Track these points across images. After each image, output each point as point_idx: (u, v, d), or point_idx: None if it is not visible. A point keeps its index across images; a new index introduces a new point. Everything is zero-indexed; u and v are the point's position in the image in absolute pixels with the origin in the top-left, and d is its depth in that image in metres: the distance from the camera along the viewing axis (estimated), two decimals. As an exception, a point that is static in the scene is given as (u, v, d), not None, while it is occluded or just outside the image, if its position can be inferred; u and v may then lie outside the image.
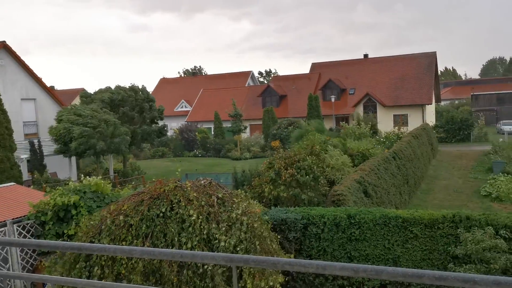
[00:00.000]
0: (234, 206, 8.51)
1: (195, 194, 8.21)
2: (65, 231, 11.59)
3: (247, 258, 1.90)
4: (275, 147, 34.89)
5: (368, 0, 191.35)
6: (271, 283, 8.30)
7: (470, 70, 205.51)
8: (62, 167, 26.73)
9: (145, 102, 31.27)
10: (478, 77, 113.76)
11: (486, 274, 9.17)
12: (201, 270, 7.50)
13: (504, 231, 9.52)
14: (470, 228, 9.77)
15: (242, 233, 8.17)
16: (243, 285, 7.97)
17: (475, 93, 67.58)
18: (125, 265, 7.61)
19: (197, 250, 7.60)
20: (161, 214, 7.95)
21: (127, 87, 31.77)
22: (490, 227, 9.55)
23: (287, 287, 10.64)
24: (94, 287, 2.39)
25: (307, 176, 13.94)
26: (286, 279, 9.64)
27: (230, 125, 43.83)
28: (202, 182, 8.85)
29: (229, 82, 62.36)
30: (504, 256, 9.22)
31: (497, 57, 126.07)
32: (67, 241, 10.73)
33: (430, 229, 10.23)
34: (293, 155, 14.91)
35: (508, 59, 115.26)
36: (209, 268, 7.49)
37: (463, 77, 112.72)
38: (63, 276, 7.89)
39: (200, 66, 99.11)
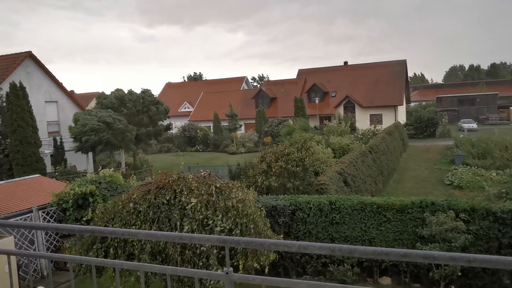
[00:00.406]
0: (230, 194, 8.51)
1: (196, 184, 8.20)
2: (83, 217, 11.56)
3: (238, 240, 1.91)
4: (267, 142, 34.96)
5: (345, 15, 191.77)
6: (262, 263, 8.32)
7: (435, 75, 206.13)
8: (81, 161, 26.60)
9: (152, 104, 31.18)
10: (442, 81, 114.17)
11: (448, 251, 9.24)
12: (199, 250, 7.52)
13: (464, 215, 9.60)
14: (434, 212, 9.83)
15: (237, 218, 8.17)
16: (237, 264, 7.99)
17: (439, 96, 67.85)
18: (135, 246, 7.61)
19: (197, 233, 7.61)
20: (166, 202, 7.95)
21: (139, 91, 31.73)
22: (452, 211, 9.62)
23: (277, 265, 10.69)
24: (107, 265, 2.38)
25: (298, 168, 13.98)
26: (277, 258, 9.67)
27: (227, 124, 43.88)
28: (202, 173, 8.83)
29: (226, 86, 62.21)
30: (463, 236, 9.30)
31: (458, 65, 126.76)
32: (84, 225, 10.70)
33: (400, 214, 10.29)
34: (282, 149, 14.93)
35: (467, 67, 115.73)
36: (204, 248, 7.50)
37: (430, 82, 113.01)
38: (81, 256, 7.87)
39: (200, 73, 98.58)
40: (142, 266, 2.21)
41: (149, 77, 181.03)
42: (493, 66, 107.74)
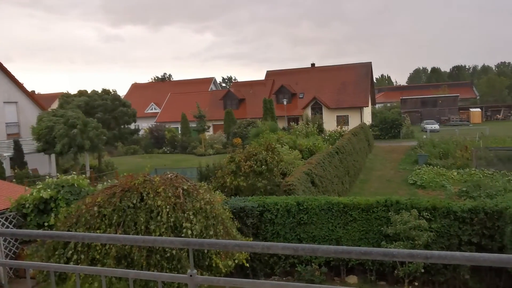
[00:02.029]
0: (198, 196, 8.46)
1: (162, 186, 8.10)
2: (46, 222, 11.18)
3: (202, 242, 1.90)
4: (237, 143, 34.89)
5: (310, 18, 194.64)
6: (237, 261, 8.36)
7: (400, 77, 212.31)
8: (42, 163, 25.73)
9: (120, 106, 30.55)
10: (406, 84, 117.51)
11: (412, 249, 9.51)
12: (168, 254, 7.42)
13: (426, 213, 9.90)
14: (399, 211, 10.09)
15: (206, 220, 8.14)
16: (211, 263, 7.97)
17: (403, 97, 69.81)
18: (99, 251, 7.43)
19: (165, 237, 7.51)
20: (132, 205, 7.81)
21: (100, 91, 30.97)
22: (415, 209, 9.89)
23: (246, 267, 10.68)
24: (67, 270, 2.31)
25: (263, 167, 14.04)
26: (245, 259, 9.67)
27: (195, 125, 43.56)
28: (169, 175, 8.74)
29: (194, 87, 61.80)
30: (426, 233, 9.59)
31: (421, 67, 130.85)
32: (46, 230, 10.34)
33: (366, 213, 10.50)
34: (251, 149, 14.97)
35: (429, 69, 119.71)
36: (174, 252, 7.42)
37: (394, 84, 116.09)
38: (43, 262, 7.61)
39: (167, 73, 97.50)
40: (104, 271, 2.15)
41: (114, 77, 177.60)
42: (454, 69, 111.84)
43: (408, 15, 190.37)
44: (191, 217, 7.99)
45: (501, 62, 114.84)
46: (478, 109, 64.43)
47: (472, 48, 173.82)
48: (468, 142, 28.96)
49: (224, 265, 8.10)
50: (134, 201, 7.87)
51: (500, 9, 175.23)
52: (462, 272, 9.50)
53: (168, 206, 7.84)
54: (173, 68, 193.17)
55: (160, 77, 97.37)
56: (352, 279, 10.60)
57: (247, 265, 9.10)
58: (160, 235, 7.51)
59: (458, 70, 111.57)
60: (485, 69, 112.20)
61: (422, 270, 9.59)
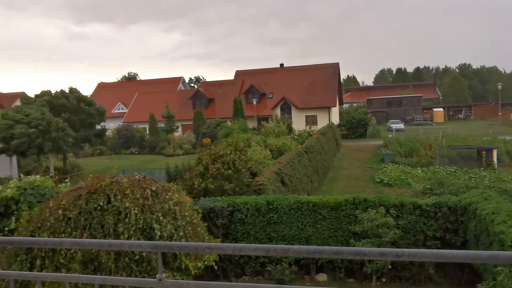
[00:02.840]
0: (167, 197, 8.33)
1: (130, 188, 7.92)
2: (6, 226, 10.71)
3: (171, 245, 1.85)
4: (206, 144, 34.64)
5: (277, 18, 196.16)
6: (206, 262, 8.27)
7: (366, 78, 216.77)
8: (3, 166, 24.70)
9: (86, 106, 29.74)
10: (372, 84, 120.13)
11: (379, 246, 9.71)
12: (137, 256, 7.26)
13: (393, 210, 10.12)
14: (366, 209, 10.27)
15: (176, 221, 8.02)
16: (180, 265, 7.86)
17: (370, 98, 71.40)
18: (64, 255, 7.18)
19: (133, 239, 7.34)
20: (99, 207, 7.59)
21: (67, 90, 30.06)
22: (382, 207, 10.10)
23: (216, 268, 10.60)
24: (28, 278, 2.21)
25: (230, 170, 13.99)
26: (215, 260, 9.59)
27: (163, 125, 42.99)
28: (137, 177, 8.56)
29: (162, 86, 60.95)
30: (393, 230, 9.80)
31: (386, 68, 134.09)
32: (8, 235, 9.91)
33: (335, 211, 10.63)
34: (218, 151, 14.87)
35: (394, 70, 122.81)
36: (144, 254, 7.27)
37: (361, 84, 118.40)
38: (4, 270, 7.29)
39: (134, 73, 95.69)
40: (68, 277, 2.06)
41: (80, 76, 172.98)
42: (417, 70, 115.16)
43: (372, 17, 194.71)
44: (161, 218, 7.85)
45: (462, 63, 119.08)
46: (441, 109, 66.68)
47: (435, 50, 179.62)
48: (432, 141, 29.90)
49: (193, 266, 8.01)
50: (101, 203, 7.65)
51: (460, 12, 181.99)
52: (427, 267, 9.77)
53: (136, 208, 7.67)
54: (140, 67, 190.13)
55: (127, 76, 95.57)
56: (322, 277, 10.71)
57: (216, 267, 9.01)
58: (129, 237, 7.35)
59: (421, 72, 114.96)
60: (447, 70, 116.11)
61: (390, 267, 9.80)
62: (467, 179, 20.55)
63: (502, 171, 22.42)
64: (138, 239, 7.44)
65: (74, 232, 7.41)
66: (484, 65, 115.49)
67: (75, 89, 30.87)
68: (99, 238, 7.36)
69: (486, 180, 20.22)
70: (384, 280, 10.19)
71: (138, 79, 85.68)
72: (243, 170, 14.63)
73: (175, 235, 7.78)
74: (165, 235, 7.72)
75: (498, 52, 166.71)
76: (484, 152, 24.54)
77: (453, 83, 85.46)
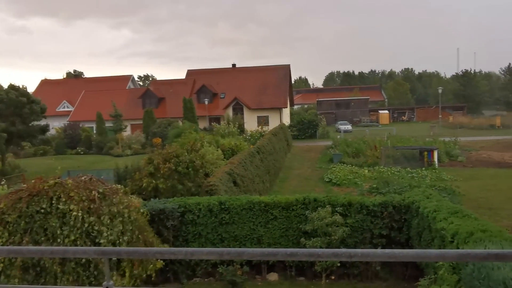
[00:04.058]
0: (115, 200, 8.04)
1: (75, 190, 7.57)
2: None
3: (119, 250, 1.75)
4: (157, 144, 33.89)
5: (226, 19, 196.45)
6: (150, 271, 8.02)
7: (316, 80, 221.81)
8: None
9: (27, 103, 28.12)
10: (322, 86, 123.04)
11: (329, 244, 9.92)
12: (83, 260, 6.94)
13: (341, 209, 10.37)
14: (316, 208, 10.44)
15: (124, 225, 7.75)
16: (122, 273, 7.58)
17: (319, 99, 73.09)
18: (2, 260, 6.72)
19: (79, 243, 7.01)
20: (42, 210, 7.18)
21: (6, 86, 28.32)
22: (331, 206, 10.30)
23: (167, 270, 10.39)
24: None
25: (189, 169, 13.78)
26: (165, 262, 9.39)
27: (111, 125, 41.64)
28: (83, 178, 8.19)
29: (110, 84, 58.92)
30: (341, 229, 10.04)
31: (335, 71, 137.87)
32: None
33: (286, 211, 10.73)
34: (171, 151, 14.60)
35: (342, 73, 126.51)
36: (91, 258, 6.97)
37: (311, 86, 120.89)
38: None
39: (79, 70, 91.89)
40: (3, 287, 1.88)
41: (21, 72, 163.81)
42: (364, 73, 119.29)
43: (320, 20, 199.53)
44: (108, 221, 7.56)
45: (406, 68, 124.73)
46: (386, 111, 69.47)
47: (381, 54, 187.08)
48: (378, 142, 31.05)
49: (133, 274, 7.70)
50: (44, 206, 7.25)
51: (403, 19, 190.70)
52: (374, 264, 10.11)
53: (81, 211, 7.34)
54: (87, 64, 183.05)
55: (73, 73, 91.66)
56: (273, 276, 10.79)
57: (154, 275, 8.72)
58: (74, 241, 7.01)
59: (368, 74, 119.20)
60: (392, 74, 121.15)
61: (338, 264, 10.03)
62: (410, 178, 21.51)
63: (442, 171, 23.68)
64: (84, 242, 7.12)
65: (12, 237, 6.97)
66: (426, 70, 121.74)
67: (17, 86, 29.13)
68: (42, 243, 6.97)
69: (428, 179, 21.25)
70: (333, 277, 10.43)
71: (83, 76, 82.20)
72: (201, 170, 14.48)
73: (122, 239, 7.51)
74: (112, 239, 7.45)
75: (439, 57, 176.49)
76: (425, 153, 25.82)
77: (396, 87, 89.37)
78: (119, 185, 10.45)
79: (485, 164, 26.28)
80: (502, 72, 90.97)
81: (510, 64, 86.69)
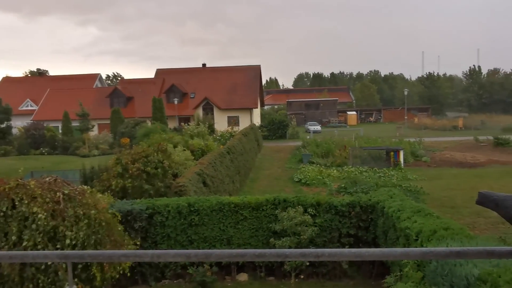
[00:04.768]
0: (82, 201, 7.82)
1: (39, 191, 7.31)
2: None
3: (82, 254, 1.70)
4: (125, 144, 33.25)
5: (195, 18, 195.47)
6: (121, 271, 7.88)
7: (286, 81, 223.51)
8: None
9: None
10: (291, 87, 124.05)
11: (298, 244, 10.00)
12: (43, 266, 6.71)
13: (311, 209, 10.48)
14: (286, 208, 10.51)
15: (90, 227, 7.55)
16: (92, 277, 7.39)
17: (289, 100, 73.69)
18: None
19: (40, 247, 6.78)
20: (1, 213, 6.90)
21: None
22: (300, 206, 10.40)
23: (135, 272, 10.20)
24: None
25: (157, 170, 13.57)
26: (133, 264, 9.22)
27: (78, 124, 40.56)
28: (47, 179, 7.93)
29: (77, 83, 57.46)
30: (311, 228, 10.16)
31: (304, 72, 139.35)
32: None
33: (256, 211, 10.75)
34: (140, 151, 14.36)
35: (311, 74, 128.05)
36: (50, 263, 6.75)
37: (281, 87, 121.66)
38: None
39: (43, 68, 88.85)
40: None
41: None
42: (333, 75, 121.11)
43: (288, 21, 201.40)
44: (73, 224, 7.35)
45: (373, 70, 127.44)
46: (354, 112, 70.81)
47: (349, 56, 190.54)
48: (346, 142, 31.60)
49: (106, 278, 7.57)
50: (4, 209, 6.97)
51: (371, 22, 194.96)
52: (342, 263, 10.26)
53: (45, 213, 7.10)
54: (52, 62, 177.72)
55: (36, 71, 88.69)
56: (243, 276, 10.78)
57: (129, 274, 8.64)
58: (35, 245, 6.77)
59: (336, 76, 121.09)
60: (359, 76, 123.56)
61: (308, 263, 10.14)
62: (377, 178, 21.98)
63: (407, 171, 24.33)
64: (46, 246, 6.88)
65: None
66: (392, 72, 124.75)
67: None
68: (2, 248, 6.70)
69: (394, 179, 21.78)
70: (302, 277, 10.52)
71: (47, 74, 79.66)
72: (169, 171, 14.29)
73: (86, 242, 7.31)
74: (78, 242, 7.24)
75: (404, 60, 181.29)
76: (392, 153, 26.46)
77: (363, 89, 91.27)
78: (86, 186, 10.19)
79: (448, 164, 27.19)
80: (464, 75, 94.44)
81: (471, 67, 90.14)
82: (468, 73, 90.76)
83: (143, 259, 1.74)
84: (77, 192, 7.99)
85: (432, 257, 1.66)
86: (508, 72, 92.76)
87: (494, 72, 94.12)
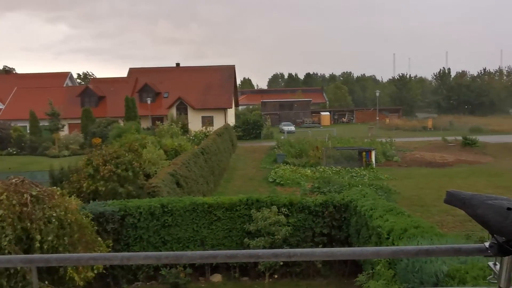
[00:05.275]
0: (51, 203, 7.60)
1: (5, 193, 7.07)
2: None
3: (48, 258, 1.64)
4: (96, 144, 32.54)
5: (167, 17, 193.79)
6: (96, 271, 7.74)
7: (261, 81, 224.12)
8: None
9: None
10: (266, 87, 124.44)
11: (272, 243, 10.03)
12: (8, 271, 6.48)
13: (284, 209, 10.53)
14: (260, 208, 10.53)
15: (61, 229, 7.36)
16: (65, 276, 7.22)
17: (264, 100, 73.88)
18: None
19: (7, 251, 6.55)
20: (-36, 216, 6.64)
21: None
22: (274, 206, 10.44)
23: (106, 275, 10.00)
24: None
25: (127, 172, 13.34)
26: (104, 267, 9.03)
27: (47, 124, 39.44)
28: (14, 180, 7.67)
29: (46, 82, 55.83)
30: (284, 228, 10.21)
31: (279, 73, 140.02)
32: None
33: (230, 212, 10.72)
34: (112, 152, 14.08)
35: (286, 75, 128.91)
36: (19, 267, 6.53)
37: (256, 87, 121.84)
38: None
39: (11, 66, 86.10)
40: None
41: None
42: (307, 76, 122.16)
43: (262, 22, 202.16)
44: (42, 226, 7.14)
45: (345, 71, 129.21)
46: (327, 113, 71.65)
47: (323, 58, 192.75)
48: (319, 143, 31.94)
49: (81, 278, 7.43)
50: (-32, 212, 6.70)
51: (344, 23, 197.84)
52: (315, 262, 10.35)
53: (12, 216, 6.87)
54: (20, 59, 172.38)
55: (2, 68, 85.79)
56: (217, 277, 10.73)
57: (105, 272, 8.50)
58: (1, 249, 6.53)
59: (310, 77, 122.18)
60: (333, 77, 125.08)
61: (281, 263, 10.18)
62: (350, 178, 22.31)
63: (379, 170, 24.80)
64: (13, 251, 6.66)
65: None
66: (364, 74, 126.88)
67: None
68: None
69: (366, 179, 22.16)
70: (276, 276, 10.56)
71: (16, 72, 77.20)
72: (140, 172, 14.07)
73: (57, 244, 7.12)
74: (46, 246, 7.04)
75: (377, 62, 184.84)
76: (364, 153, 26.91)
77: (336, 90, 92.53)
78: (55, 187, 9.92)
79: (418, 163, 27.86)
80: (434, 77, 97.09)
81: (441, 70, 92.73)
82: (438, 75, 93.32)
83: (112, 262, 1.69)
84: (46, 194, 7.77)
85: (402, 256, 1.69)
86: (475, 75, 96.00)
87: (462, 74, 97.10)
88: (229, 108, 48.98)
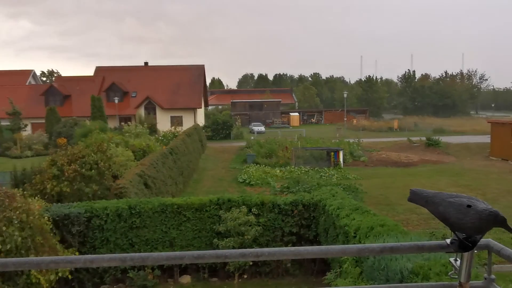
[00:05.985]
0: (11, 205, 7.32)
1: (-38, 195, 6.76)
2: None
3: (6, 262, 1.57)
4: (61, 144, 31.58)
5: (133, 15, 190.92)
6: (60, 274, 7.53)
7: (230, 81, 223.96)
8: None
9: None
10: (236, 88, 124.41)
11: (242, 244, 10.02)
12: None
13: (254, 209, 10.55)
14: (230, 208, 10.50)
15: (22, 232, 7.09)
16: (29, 280, 6.98)
17: (234, 101, 73.85)
18: None
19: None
20: None
21: None
22: (245, 206, 10.45)
23: (71, 279, 9.71)
24: None
25: (92, 171, 12.99)
26: (69, 270, 8.77)
27: (8, 123, 38.01)
28: (-28, 182, 7.35)
29: (7, 79, 53.70)
30: (254, 228, 10.22)
31: (249, 73, 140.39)
32: None
33: (199, 212, 10.64)
34: (77, 151, 13.69)
35: (256, 76, 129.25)
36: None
37: (226, 87, 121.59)
38: None
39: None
40: None
41: None
42: (277, 76, 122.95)
43: (231, 22, 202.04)
44: (3, 229, 6.87)
45: (314, 73, 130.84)
46: (297, 114, 72.34)
47: (292, 59, 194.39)
48: (289, 143, 32.19)
49: (46, 280, 7.21)
50: None
51: (313, 25, 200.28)
52: (284, 261, 10.42)
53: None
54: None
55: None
56: (186, 278, 10.62)
57: (70, 276, 8.27)
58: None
59: (280, 78, 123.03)
60: (302, 78, 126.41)
61: (251, 263, 10.19)
62: (319, 178, 22.58)
63: (347, 170, 25.23)
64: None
65: None
66: (332, 75, 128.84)
67: None
68: None
69: (334, 178, 22.49)
70: (245, 276, 10.56)
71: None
72: (106, 172, 13.73)
73: (20, 247, 6.87)
74: (8, 248, 6.77)
75: (344, 64, 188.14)
76: (332, 153, 27.32)
77: (305, 91, 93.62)
78: (16, 189, 9.55)
79: (384, 163, 28.53)
80: (399, 80, 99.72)
81: (406, 72, 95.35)
82: (403, 78, 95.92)
83: (75, 265, 1.64)
84: (6, 196, 7.47)
85: (367, 253, 1.72)
86: (437, 77, 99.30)
87: (425, 76, 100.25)
88: (198, 108, 48.65)
